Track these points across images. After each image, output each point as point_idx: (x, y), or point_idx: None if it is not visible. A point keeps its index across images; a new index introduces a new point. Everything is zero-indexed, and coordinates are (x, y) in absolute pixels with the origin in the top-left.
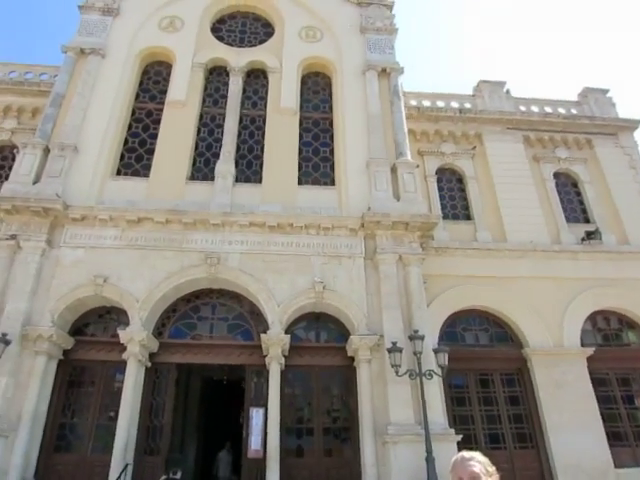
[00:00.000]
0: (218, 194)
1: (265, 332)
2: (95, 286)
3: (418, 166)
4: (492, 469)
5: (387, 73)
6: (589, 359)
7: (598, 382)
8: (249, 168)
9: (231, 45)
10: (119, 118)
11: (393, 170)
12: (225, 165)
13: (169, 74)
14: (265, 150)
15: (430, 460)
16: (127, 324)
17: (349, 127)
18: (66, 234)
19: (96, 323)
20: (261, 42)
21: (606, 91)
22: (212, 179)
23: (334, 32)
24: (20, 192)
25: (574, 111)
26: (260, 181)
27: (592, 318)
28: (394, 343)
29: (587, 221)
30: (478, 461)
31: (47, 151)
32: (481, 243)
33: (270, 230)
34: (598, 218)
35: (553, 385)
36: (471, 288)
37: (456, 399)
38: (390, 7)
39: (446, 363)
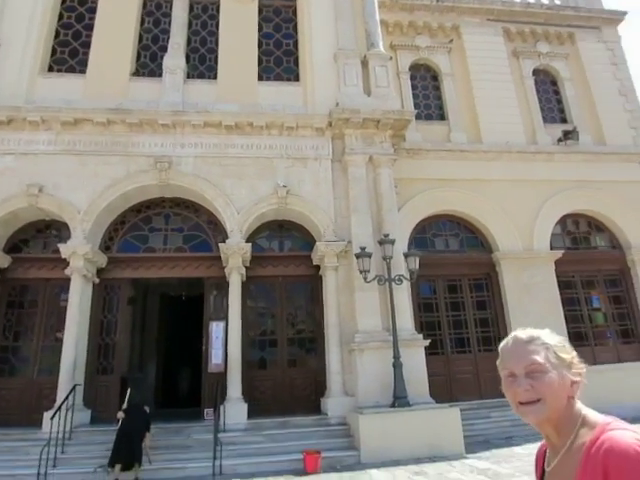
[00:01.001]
0: (167, 92)
1: (224, 242)
2: (29, 197)
3: (391, 58)
4: (570, 356)
5: None
6: (557, 262)
7: (564, 285)
8: (202, 63)
9: None
10: (46, 5)
11: (364, 63)
12: (174, 59)
13: None
14: (220, 42)
15: (397, 365)
16: (69, 238)
17: (315, 15)
18: None
19: (35, 239)
20: None
21: None
22: (160, 75)
23: None
24: None
25: (557, 1)
26: (215, 77)
27: (562, 221)
28: (363, 248)
29: (565, 121)
30: (543, 344)
31: None
32: (455, 144)
33: (227, 131)
34: (576, 118)
35: (521, 289)
36: (443, 192)
37: (424, 305)
38: None
39: (417, 267)
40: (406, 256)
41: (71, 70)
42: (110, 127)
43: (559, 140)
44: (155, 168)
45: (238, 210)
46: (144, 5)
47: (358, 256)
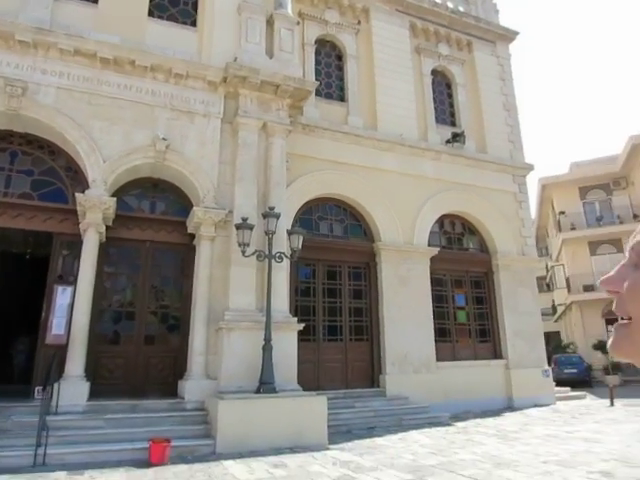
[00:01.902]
0: (31, 4)
1: (83, 193)
2: None
3: (299, 23)
4: None
5: None
6: (432, 259)
7: (436, 282)
8: None
9: None
10: None
11: (269, 23)
12: None
13: None
14: None
15: (267, 349)
16: None
17: None
18: None
19: None
20: None
21: None
22: None
23: None
24: None
25: (461, 8)
26: (96, 1)
27: (441, 220)
28: (245, 219)
29: (454, 125)
30: None
31: None
32: (352, 128)
33: (103, 65)
34: (464, 123)
35: (397, 281)
36: (334, 175)
37: (301, 290)
38: None
39: (300, 247)
40: (290, 233)
41: None
42: None
43: (447, 141)
44: (4, 92)
45: (105, 158)
46: None
47: (238, 227)
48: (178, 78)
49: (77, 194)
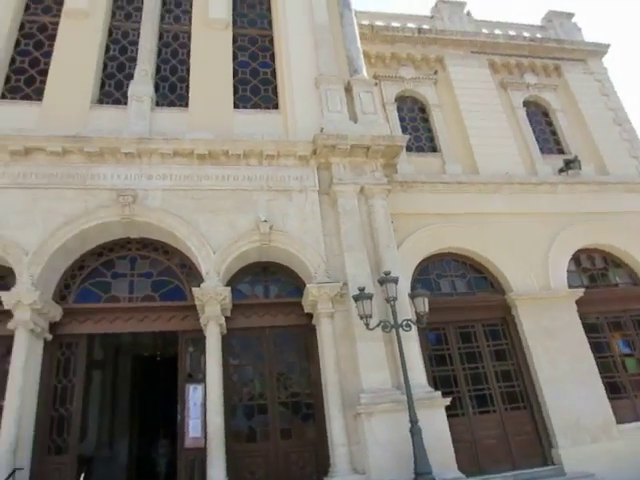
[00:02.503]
0: (133, 120)
1: (199, 287)
2: None
3: (377, 84)
4: None
5: None
6: (577, 303)
7: (589, 328)
8: (172, 92)
9: None
10: (1, 32)
11: (347, 90)
12: (141, 86)
13: None
14: (192, 70)
15: (416, 432)
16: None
17: (293, 43)
18: None
19: None
20: None
21: (571, 15)
22: (125, 104)
23: None
24: None
25: (539, 35)
26: (186, 105)
27: (576, 257)
28: (361, 289)
29: (562, 152)
30: None
31: None
32: (451, 176)
33: (200, 160)
34: (573, 149)
35: (543, 334)
36: (444, 228)
37: (435, 357)
38: None
39: (426, 310)
40: (412, 297)
41: (26, 98)
42: (66, 157)
43: (561, 170)
44: (118, 202)
45: (214, 249)
46: (110, 33)
47: (357, 298)
48: (270, 159)
49: (194, 289)
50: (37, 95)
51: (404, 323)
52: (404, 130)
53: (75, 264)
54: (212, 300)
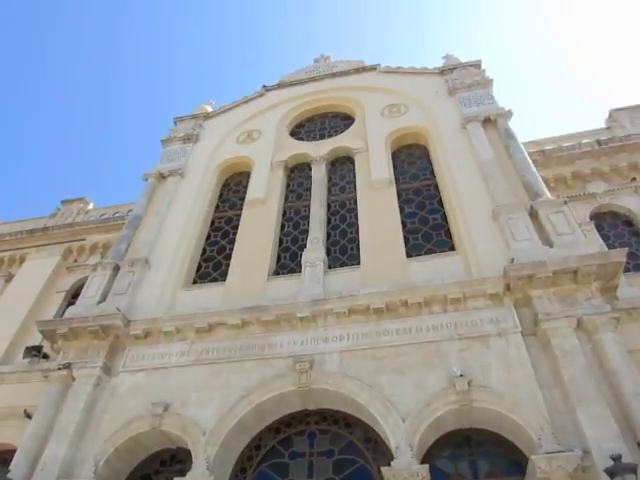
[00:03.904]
0: (307, 285)
1: (389, 465)
2: (153, 417)
3: (566, 202)
4: None
5: (492, 121)
6: None
7: None
8: (344, 253)
9: (311, 141)
10: (195, 229)
11: (532, 215)
12: (313, 253)
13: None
14: (360, 231)
15: None
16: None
17: (460, 184)
18: (127, 357)
19: (158, 475)
20: (342, 132)
21: None
22: (299, 272)
23: (420, 102)
24: (81, 314)
25: None
26: (358, 263)
27: None
28: (616, 458)
29: None
30: None
31: (117, 269)
32: None
33: (377, 316)
34: None
35: None
36: None
37: None
38: (477, 65)
39: None
40: None
41: (213, 281)
42: (245, 329)
43: None
44: (294, 370)
45: (403, 417)
46: (284, 213)
47: (613, 473)
48: (456, 304)
49: (383, 468)
50: (222, 277)
51: None
52: (611, 249)
53: (252, 443)
54: None
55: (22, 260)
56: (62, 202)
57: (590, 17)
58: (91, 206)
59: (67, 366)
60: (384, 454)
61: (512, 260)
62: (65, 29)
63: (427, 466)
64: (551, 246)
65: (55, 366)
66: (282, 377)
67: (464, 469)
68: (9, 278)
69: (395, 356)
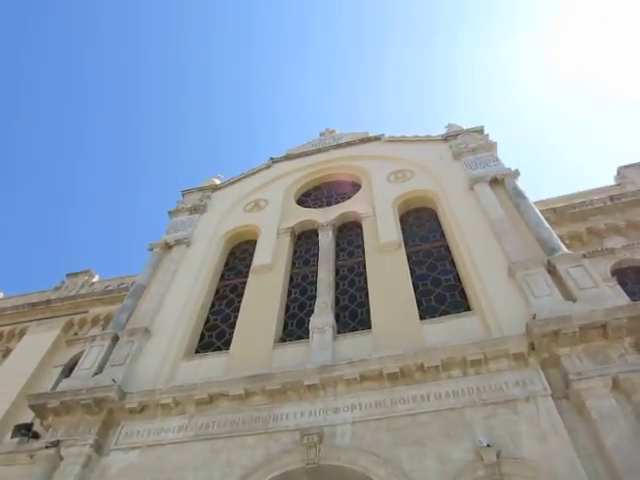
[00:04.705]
0: (315, 352)
1: None
2: None
3: (585, 256)
4: None
5: (500, 181)
6: None
7: None
8: (353, 319)
9: (318, 208)
10: (199, 297)
11: (550, 271)
12: (321, 318)
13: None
14: (370, 293)
15: None
16: None
17: (472, 242)
18: (120, 434)
19: None
20: (348, 199)
21: None
22: (306, 338)
23: (425, 167)
24: (75, 386)
25: None
26: (369, 328)
27: None
28: None
29: None
30: None
31: (117, 340)
32: None
33: (391, 382)
34: None
35: None
36: None
37: None
38: (480, 131)
39: None
40: None
41: (216, 350)
42: (248, 400)
43: None
44: (301, 444)
45: None
46: (291, 280)
47: None
48: (477, 366)
49: None
50: (226, 346)
51: None
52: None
53: None
54: None
55: (22, 334)
56: (67, 275)
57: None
58: (96, 278)
59: (55, 444)
60: None
61: (534, 316)
62: (75, 101)
63: None
64: (574, 301)
65: (43, 444)
66: (288, 453)
67: None
68: (6, 353)
69: (413, 426)
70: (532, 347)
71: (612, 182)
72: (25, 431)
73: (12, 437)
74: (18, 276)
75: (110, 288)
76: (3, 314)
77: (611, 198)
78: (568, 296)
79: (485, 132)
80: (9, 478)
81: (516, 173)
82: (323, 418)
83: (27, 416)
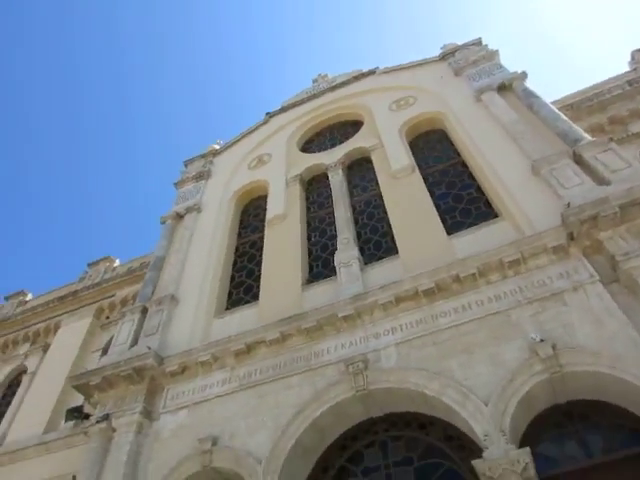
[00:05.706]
0: (345, 285)
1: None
2: (201, 455)
3: (612, 139)
4: None
5: (508, 86)
6: None
7: None
8: (378, 249)
9: (323, 152)
10: (219, 257)
11: (577, 161)
12: (346, 252)
13: None
14: (392, 221)
15: None
16: None
17: (489, 152)
18: (166, 397)
19: None
20: (352, 137)
21: None
22: (334, 275)
23: (427, 90)
24: (113, 360)
25: None
26: (397, 252)
27: None
28: None
29: None
30: None
31: (146, 312)
32: None
33: (429, 298)
34: None
35: None
36: None
37: None
38: (478, 43)
39: None
40: None
41: (245, 303)
42: (286, 343)
43: None
44: (347, 373)
45: (484, 400)
46: (308, 224)
47: None
48: (515, 266)
49: (474, 462)
50: (255, 299)
51: None
52: None
53: (317, 466)
54: (507, 473)
55: (57, 328)
56: (88, 265)
57: None
58: (117, 263)
59: (105, 417)
60: (472, 450)
61: (568, 204)
62: (72, 100)
63: (528, 449)
64: (608, 184)
65: (94, 420)
66: (336, 385)
67: (572, 450)
68: (46, 348)
69: (459, 336)
70: (571, 237)
71: (626, 69)
72: (77, 413)
73: (66, 421)
74: (43, 276)
75: (133, 268)
76: (36, 312)
77: (629, 83)
78: (600, 181)
79: (484, 43)
80: (73, 461)
81: (523, 75)
82: (365, 346)
83: (76, 400)
